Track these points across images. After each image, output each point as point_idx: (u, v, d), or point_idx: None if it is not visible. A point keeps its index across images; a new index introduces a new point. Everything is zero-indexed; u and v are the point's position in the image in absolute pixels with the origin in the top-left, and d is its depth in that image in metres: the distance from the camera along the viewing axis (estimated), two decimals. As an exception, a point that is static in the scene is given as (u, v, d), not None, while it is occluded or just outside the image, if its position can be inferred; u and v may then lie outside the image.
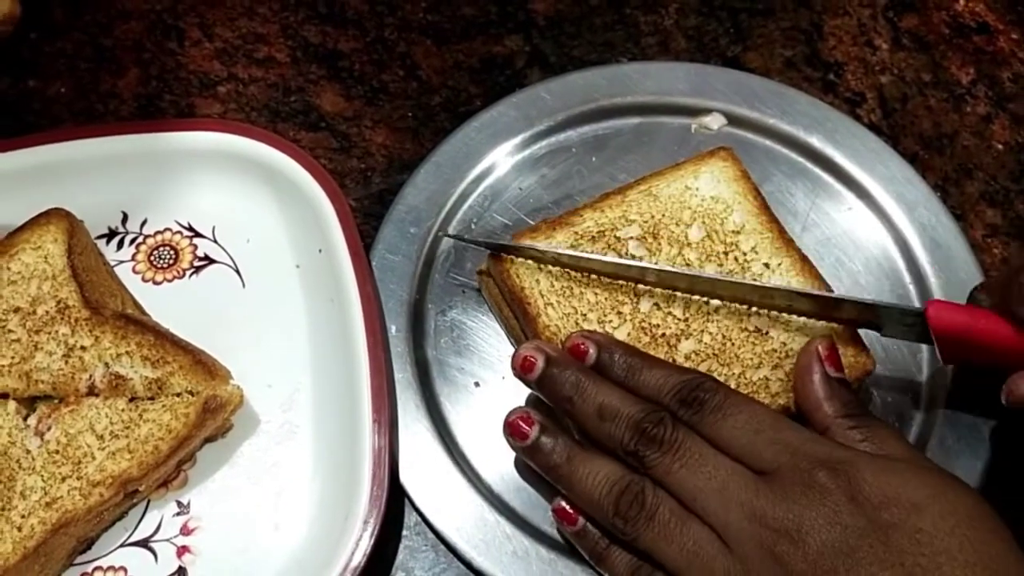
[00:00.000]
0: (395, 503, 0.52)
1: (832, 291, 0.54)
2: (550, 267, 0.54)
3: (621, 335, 0.52)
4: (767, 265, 0.54)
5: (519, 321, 0.54)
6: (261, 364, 0.55)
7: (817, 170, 0.62)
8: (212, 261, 0.58)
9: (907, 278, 0.58)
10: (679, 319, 0.53)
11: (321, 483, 0.52)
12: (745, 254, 0.54)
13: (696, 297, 0.53)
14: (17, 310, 0.52)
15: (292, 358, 0.55)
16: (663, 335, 0.52)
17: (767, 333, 0.52)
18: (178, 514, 0.51)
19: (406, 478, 0.51)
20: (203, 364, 0.51)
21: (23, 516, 0.47)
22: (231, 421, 0.53)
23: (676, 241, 0.55)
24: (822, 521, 0.40)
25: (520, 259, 0.54)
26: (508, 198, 0.61)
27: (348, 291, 0.54)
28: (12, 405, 0.50)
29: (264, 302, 0.57)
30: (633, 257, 0.54)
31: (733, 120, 0.63)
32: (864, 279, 0.58)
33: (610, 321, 0.53)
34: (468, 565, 0.50)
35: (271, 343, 0.56)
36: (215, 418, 0.50)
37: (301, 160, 0.58)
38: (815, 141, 0.62)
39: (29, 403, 0.51)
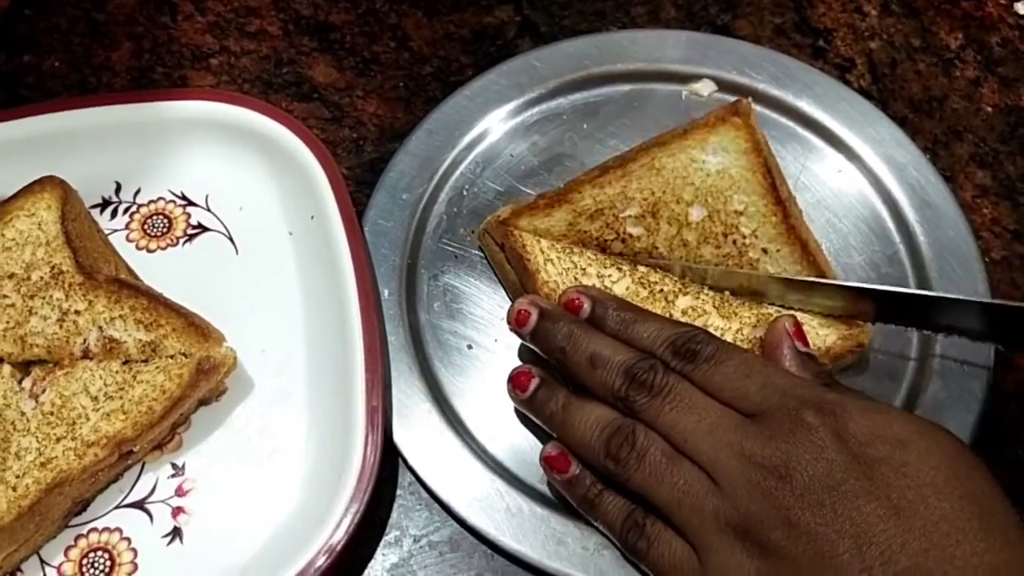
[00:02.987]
0: (389, 463, 0.52)
1: (835, 278, 0.54)
2: (550, 242, 0.54)
3: (619, 289, 0.52)
4: (765, 251, 0.54)
5: (519, 277, 0.55)
6: (255, 329, 0.55)
7: (807, 134, 0.62)
8: (205, 229, 0.59)
9: (897, 238, 0.58)
10: (676, 279, 0.53)
11: (315, 444, 0.52)
12: (745, 237, 0.55)
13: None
14: (12, 276, 0.52)
15: (285, 323, 0.55)
16: (661, 291, 0.53)
17: (762, 298, 0.53)
18: (173, 476, 0.51)
19: (400, 439, 0.52)
20: (196, 327, 0.52)
21: (18, 476, 0.47)
22: (225, 384, 0.53)
23: (675, 220, 0.55)
24: (808, 457, 0.40)
25: (521, 221, 0.54)
26: (500, 164, 0.61)
27: (341, 256, 0.54)
28: (7, 369, 0.50)
29: (257, 269, 0.57)
30: (630, 236, 0.54)
31: (723, 86, 0.63)
32: (854, 239, 0.58)
33: (609, 275, 0.53)
34: (462, 523, 0.50)
35: (264, 309, 0.56)
36: (208, 379, 0.51)
37: (293, 128, 0.58)
38: (804, 105, 0.62)
39: (24, 367, 0.51)
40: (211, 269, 0.57)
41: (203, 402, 0.53)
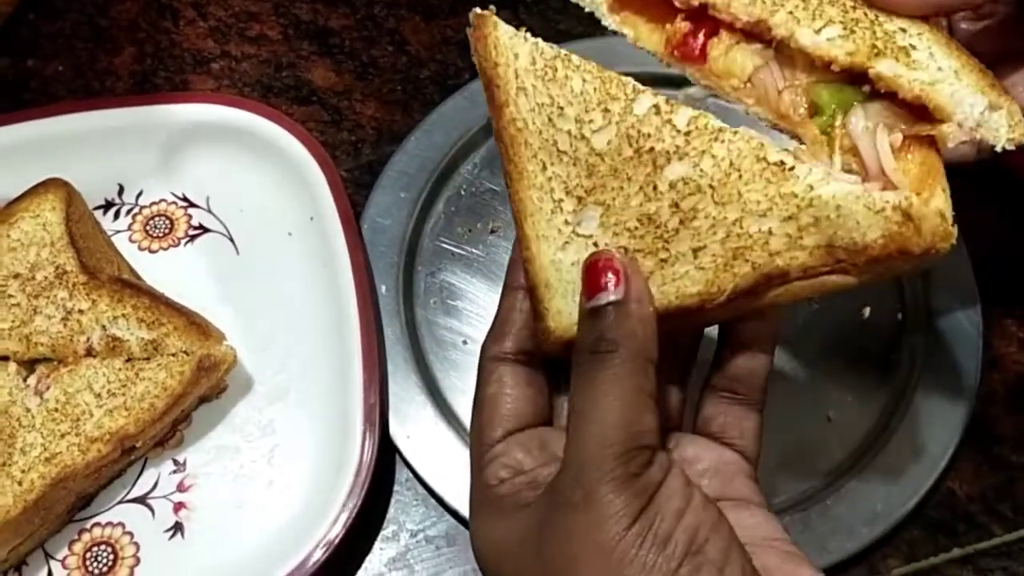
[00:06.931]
0: (386, 459, 0.53)
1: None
2: (536, 39, 0.42)
3: (601, 140, 0.40)
4: (904, 30, 0.39)
5: (488, 106, 0.42)
6: (255, 328, 0.56)
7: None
8: (206, 230, 0.60)
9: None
10: (679, 131, 0.39)
11: (314, 441, 0.53)
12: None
13: (710, 102, 0.41)
14: (17, 276, 0.53)
15: (285, 321, 0.56)
16: (650, 150, 0.39)
17: (793, 169, 0.37)
18: (175, 472, 0.52)
19: (396, 434, 0.53)
20: (197, 325, 0.53)
21: (23, 471, 0.48)
22: (225, 381, 0.54)
23: None
24: None
25: (503, 26, 0.42)
26: (497, 166, 0.61)
27: (339, 256, 0.56)
28: (12, 367, 0.51)
29: (257, 269, 0.58)
30: None
31: (718, 88, 0.63)
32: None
33: (591, 121, 0.40)
34: (458, 518, 0.51)
35: (265, 308, 0.57)
36: (209, 377, 0.52)
37: (293, 131, 0.59)
38: (797, 106, 0.62)
39: (29, 365, 0.52)
40: (212, 269, 0.58)
41: (204, 399, 0.54)
